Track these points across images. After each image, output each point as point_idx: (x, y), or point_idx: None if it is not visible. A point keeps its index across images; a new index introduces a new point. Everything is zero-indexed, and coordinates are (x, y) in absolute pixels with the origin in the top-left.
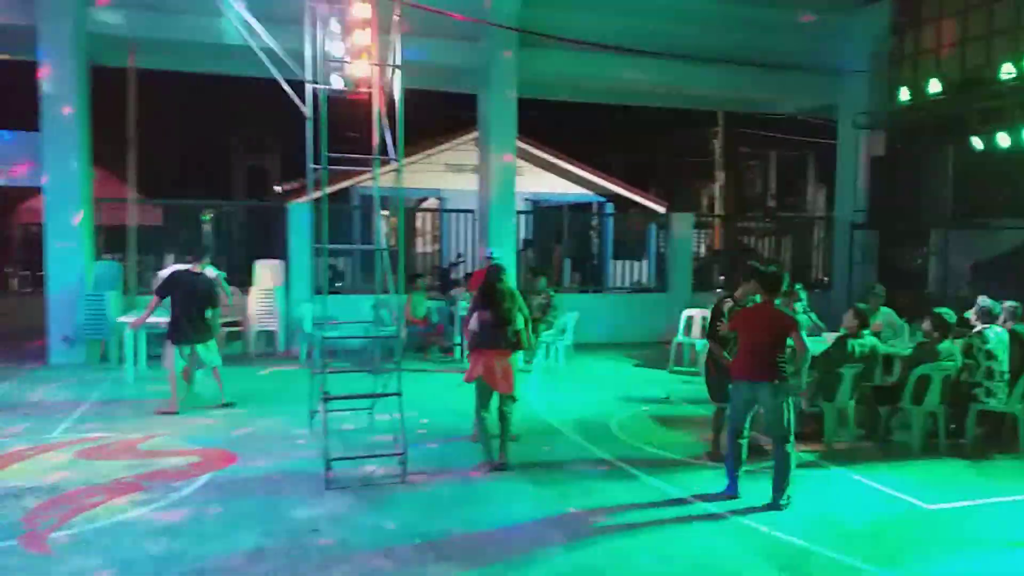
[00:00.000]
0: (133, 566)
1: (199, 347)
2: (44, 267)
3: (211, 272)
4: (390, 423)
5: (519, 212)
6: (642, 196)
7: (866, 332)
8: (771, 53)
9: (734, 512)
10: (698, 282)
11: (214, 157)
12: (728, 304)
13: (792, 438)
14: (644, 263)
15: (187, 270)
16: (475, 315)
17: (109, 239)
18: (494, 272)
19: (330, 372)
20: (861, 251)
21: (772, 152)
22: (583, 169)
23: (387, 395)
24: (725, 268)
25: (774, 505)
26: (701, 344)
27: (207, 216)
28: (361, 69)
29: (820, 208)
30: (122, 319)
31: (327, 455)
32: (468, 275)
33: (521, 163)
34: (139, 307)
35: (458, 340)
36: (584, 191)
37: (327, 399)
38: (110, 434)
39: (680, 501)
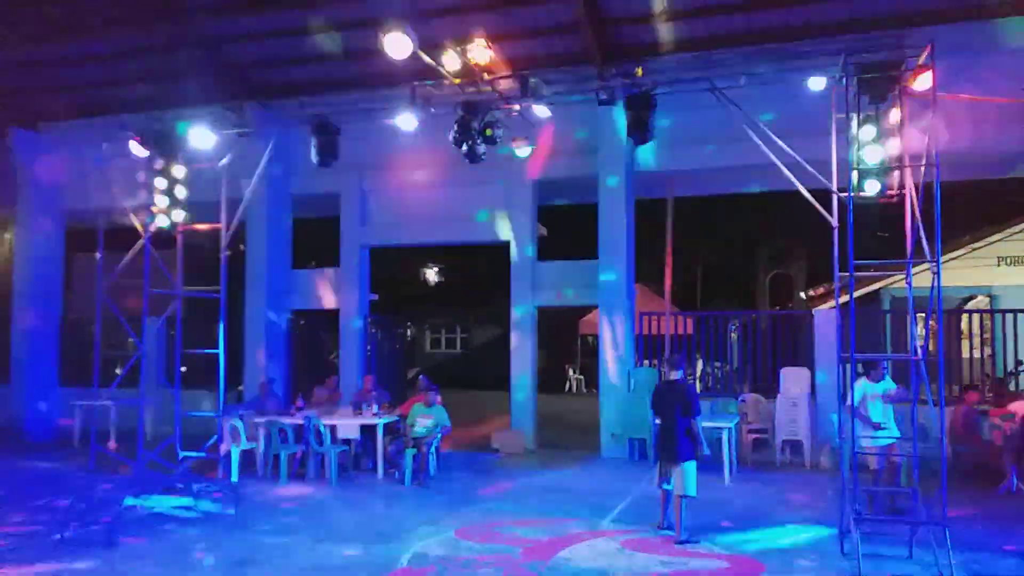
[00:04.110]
0: None
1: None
2: (599, 372)
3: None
4: (932, 560)
5: None
6: None
7: None
8: None
9: None
10: None
11: (739, 268)
12: None
13: None
14: None
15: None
16: None
17: (646, 347)
18: None
19: (862, 489)
20: None
21: None
22: None
23: (930, 523)
24: None
25: None
26: None
27: (734, 325)
28: (892, 171)
29: None
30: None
31: None
32: None
33: None
34: None
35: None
36: None
37: (859, 519)
38: (648, 528)
39: None
